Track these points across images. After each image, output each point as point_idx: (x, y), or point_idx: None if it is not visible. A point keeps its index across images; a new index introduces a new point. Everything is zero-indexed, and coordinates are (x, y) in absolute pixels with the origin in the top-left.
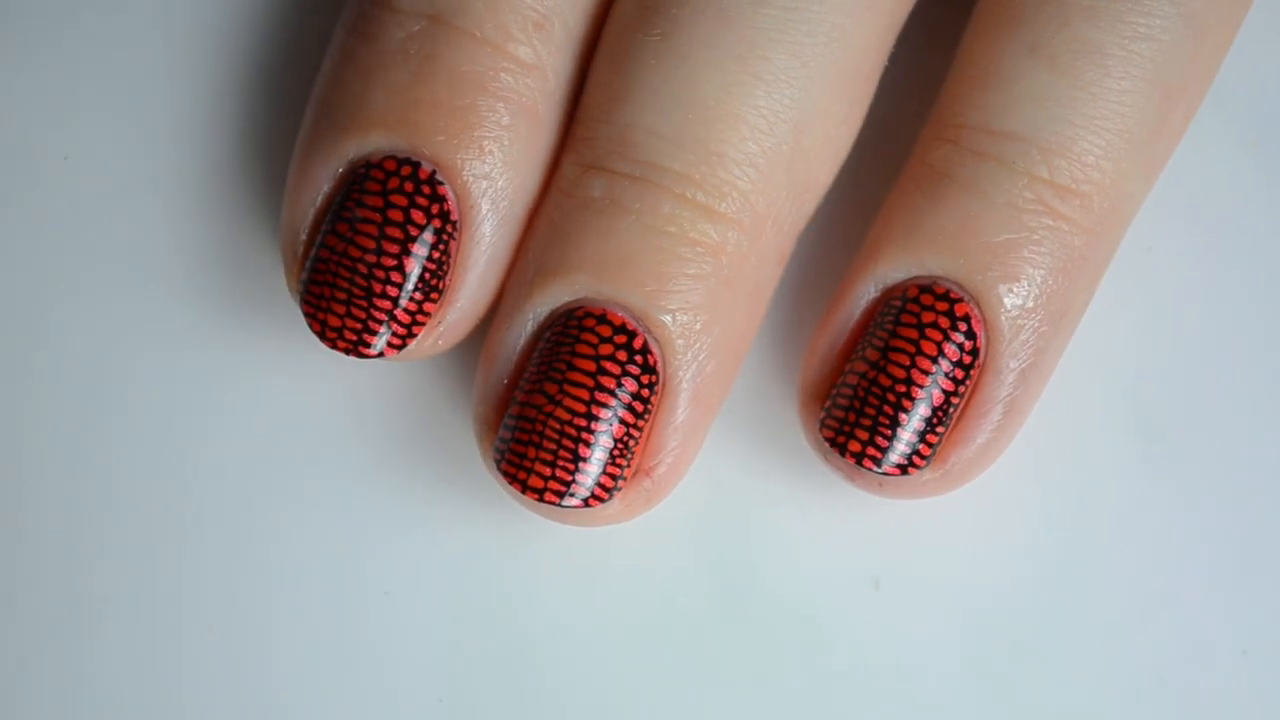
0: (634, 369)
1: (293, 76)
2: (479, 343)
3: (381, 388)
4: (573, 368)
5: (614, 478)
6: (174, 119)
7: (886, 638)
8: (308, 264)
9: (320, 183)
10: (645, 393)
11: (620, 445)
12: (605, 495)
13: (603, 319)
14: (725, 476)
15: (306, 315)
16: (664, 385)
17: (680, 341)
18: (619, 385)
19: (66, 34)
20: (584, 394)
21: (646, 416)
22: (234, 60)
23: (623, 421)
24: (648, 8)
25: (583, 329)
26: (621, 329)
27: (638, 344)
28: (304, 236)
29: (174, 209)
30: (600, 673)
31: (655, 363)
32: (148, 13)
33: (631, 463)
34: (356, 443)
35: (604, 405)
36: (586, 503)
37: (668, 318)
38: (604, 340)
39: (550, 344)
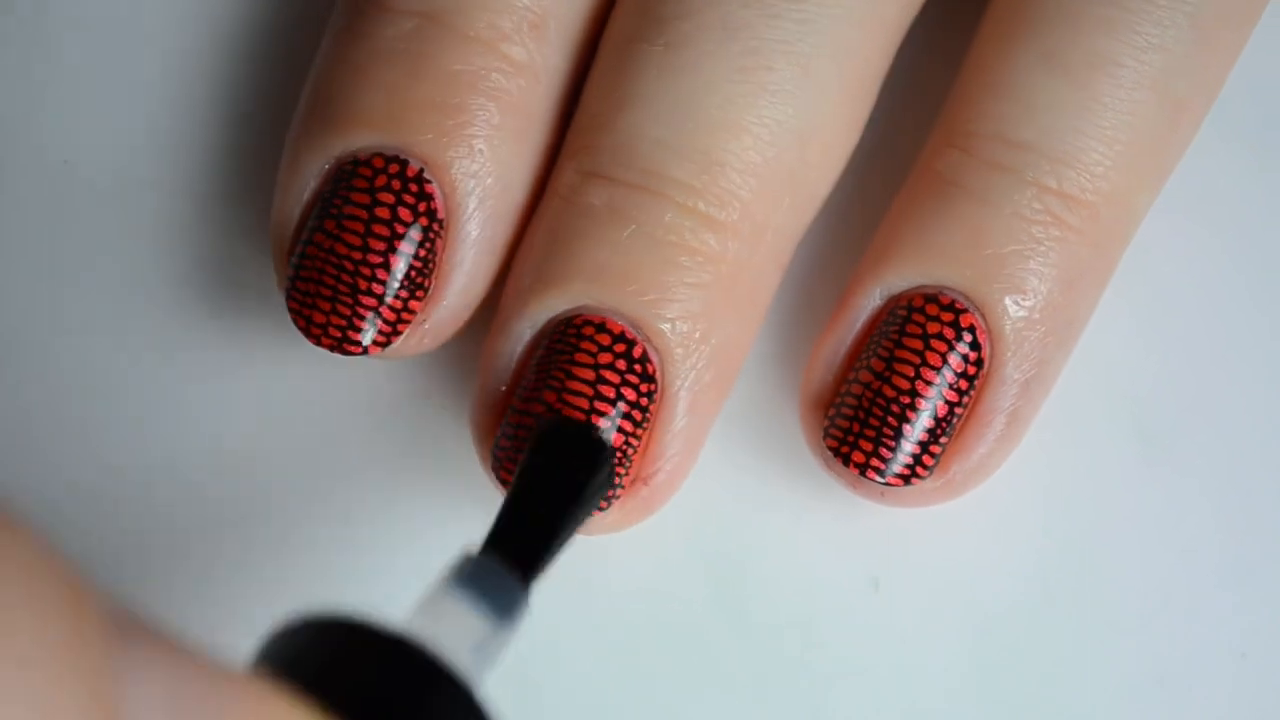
0: (633, 378)
1: (290, 77)
2: (470, 341)
3: (375, 386)
4: (572, 376)
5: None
6: (173, 121)
7: (886, 638)
8: (293, 260)
9: (308, 179)
10: (644, 401)
11: (619, 454)
12: (604, 504)
13: (602, 327)
14: (723, 478)
15: (291, 311)
16: (662, 393)
17: (679, 350)
18: (618, 394)
19: (66, 37)
20: (583, 402)
21: (645, 425)
22: (233, 62)
23: (620, 430)
24: (651, 18)
25: (581, 337)
26: (621, 337)
27: (637, 353)
28: (291, 232)
29: (173, 211)
30: (598, 675)
31: (654, 371)
32: (146, 15)
33: (630, 471)
34: (348, 444)
35: (602, 414)
36: None
37: (666, 326)
38: (603, 349)
39: (549, 351)
